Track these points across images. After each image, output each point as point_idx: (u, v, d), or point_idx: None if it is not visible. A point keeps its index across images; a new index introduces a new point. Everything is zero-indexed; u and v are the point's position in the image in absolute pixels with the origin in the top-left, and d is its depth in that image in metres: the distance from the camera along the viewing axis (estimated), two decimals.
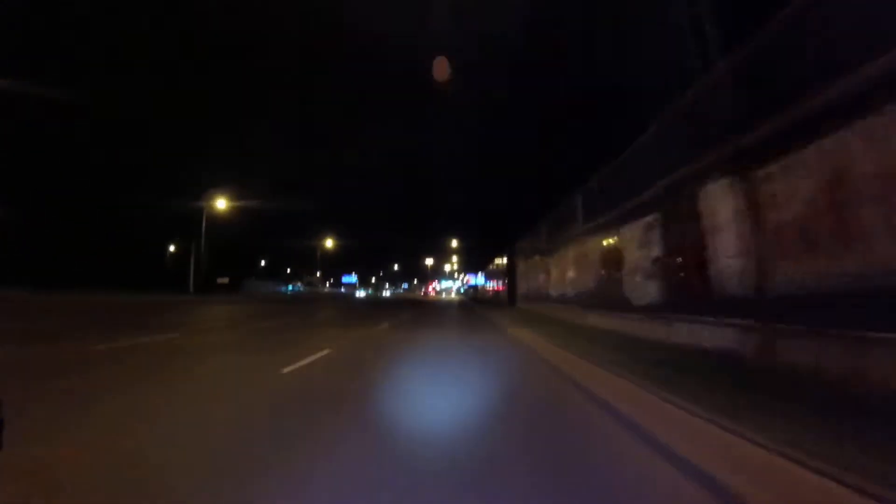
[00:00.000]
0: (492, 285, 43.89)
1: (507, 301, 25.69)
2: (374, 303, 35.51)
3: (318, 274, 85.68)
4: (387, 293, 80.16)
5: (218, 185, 44.49)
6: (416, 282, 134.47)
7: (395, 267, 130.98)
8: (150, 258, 56.24)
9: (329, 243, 76.69)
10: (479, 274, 51.66)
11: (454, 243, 71.02)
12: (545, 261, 14.91)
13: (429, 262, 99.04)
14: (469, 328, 11.65)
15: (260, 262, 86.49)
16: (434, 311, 21.79)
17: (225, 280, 61.00)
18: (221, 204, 46.18)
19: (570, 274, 11.85)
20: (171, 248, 60.27)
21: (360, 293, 67.63)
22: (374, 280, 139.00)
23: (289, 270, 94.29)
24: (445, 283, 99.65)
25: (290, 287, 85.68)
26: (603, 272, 9.62)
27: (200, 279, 47.84)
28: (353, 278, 74.33)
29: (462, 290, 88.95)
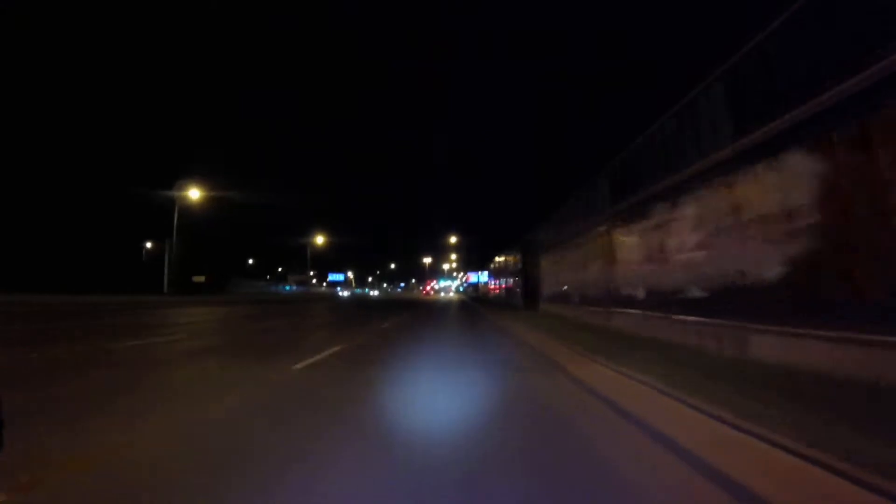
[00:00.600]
0: (496, 283, 38.43)
1: (521, 303, 19.85)
2: (357, 304, 29.75)
3: (310, 273, 80.00)
4: (374, 293, 72.57)
5: (206, 178, 39.67)
6: (413, 281, 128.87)
7: (392, 266, 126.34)
8: (128, 256, 53.16)
9: (320, 240, 71.08)
10: (482, 272, 46.27)
11: (453, 240, 65.74)
12: (603, 241, 9.12)
13: (427, 260, 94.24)
14: (493, 360, 5.84)
15: (247, 260, 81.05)
16: (428, 316, 16.00)
17: (201, 279, 56.06)
18: (195, 194, 40.68)
19: (687, 253, 6.04)
20: (148, 245, 55.86)
21: (344, 293, 60.74)
22: (370, 279, 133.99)
23: (280, 269, 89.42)
24: (444, 283, 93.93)
25: (288, 287, 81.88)
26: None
27: (174, 277, 42.70)
28: (341, 276, 67.09)
29: (461, 289, 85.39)
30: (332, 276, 66.15)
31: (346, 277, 67.21)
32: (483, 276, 43.41)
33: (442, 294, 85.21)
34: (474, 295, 53.05)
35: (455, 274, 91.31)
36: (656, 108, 6.61)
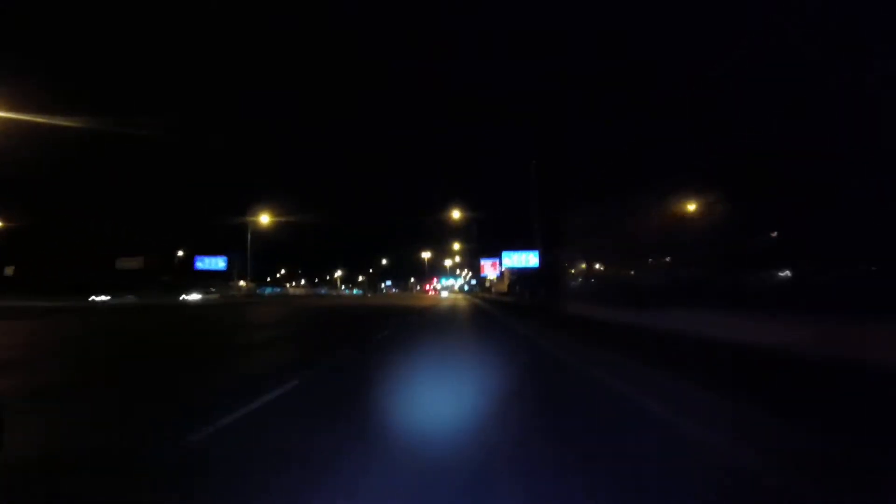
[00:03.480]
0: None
1: None
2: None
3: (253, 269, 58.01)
4: (262, 294, 44.58)
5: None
6: (412, 280, 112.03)
7: (384, 261, 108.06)
8: None
9: (265, 219, 47.03)
10: (526, 254, 24.66)
11: (455, 214, 42.89)
12: None
13: (426, 255, 75.69)
14: None
15: (175, 250, 57.06)
16: None
17: (10, 270, 34.10)
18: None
19: None
20: None
21: (191, 296, 32.91)
22: (360, 278, 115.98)
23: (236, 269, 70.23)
24: (447, 281, 78.03)
25: (269, 289, 69.67)
26: None
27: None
28: (219, 262, 33.97)
29: (466, 289, 71.76)
30: (200, 262, 33.84)
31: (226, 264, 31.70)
32: (535, 259, 21.37)
33: (444, 294, 68.48)
34: (487, 294, 31.99)
35: (458, 271, 76.84)
36: (656, 108, 6.52)
